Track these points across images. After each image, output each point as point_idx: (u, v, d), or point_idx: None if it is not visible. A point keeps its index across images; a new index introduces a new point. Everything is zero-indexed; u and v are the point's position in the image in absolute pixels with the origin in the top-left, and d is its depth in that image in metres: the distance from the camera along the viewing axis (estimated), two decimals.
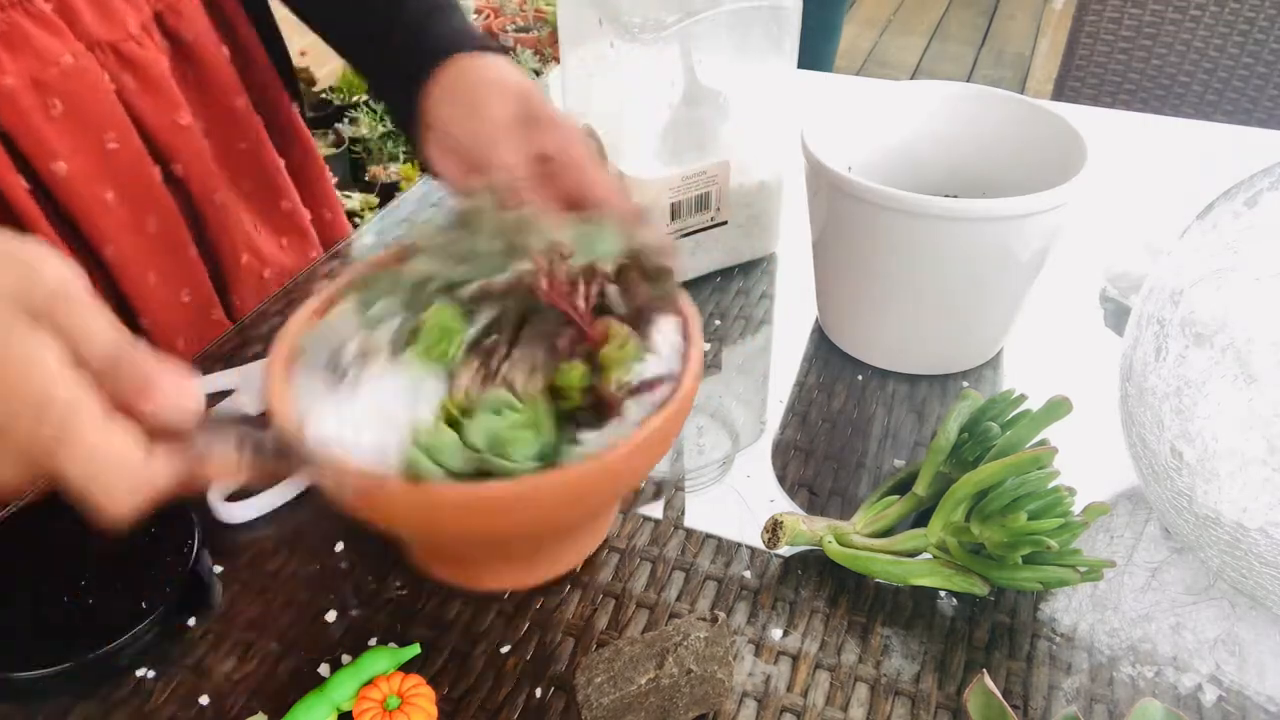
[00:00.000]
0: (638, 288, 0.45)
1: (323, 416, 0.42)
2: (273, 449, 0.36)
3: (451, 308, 0.44)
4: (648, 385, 0.43)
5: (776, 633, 0.47)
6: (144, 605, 0.46)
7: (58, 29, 0.57)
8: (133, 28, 0.61)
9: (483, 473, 0.40)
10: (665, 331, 0.47)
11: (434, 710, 0.43)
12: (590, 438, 0.42)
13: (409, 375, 0.42)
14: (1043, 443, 0.48)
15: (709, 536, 0.52)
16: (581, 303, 0.43)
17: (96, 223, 0.60)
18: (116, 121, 0.60)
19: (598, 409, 0.43)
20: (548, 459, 0.41)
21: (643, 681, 0.41)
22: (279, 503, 0.54)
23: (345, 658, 0.46)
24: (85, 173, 0.59)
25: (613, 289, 0.45)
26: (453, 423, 0.41)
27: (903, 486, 0.53)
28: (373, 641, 0.47)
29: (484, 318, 0.45)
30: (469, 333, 0.44)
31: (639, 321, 0.45)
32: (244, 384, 0.61)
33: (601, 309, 0.45)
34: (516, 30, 2.74)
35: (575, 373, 0.42)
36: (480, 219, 0.46)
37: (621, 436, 0.41)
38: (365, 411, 0.42)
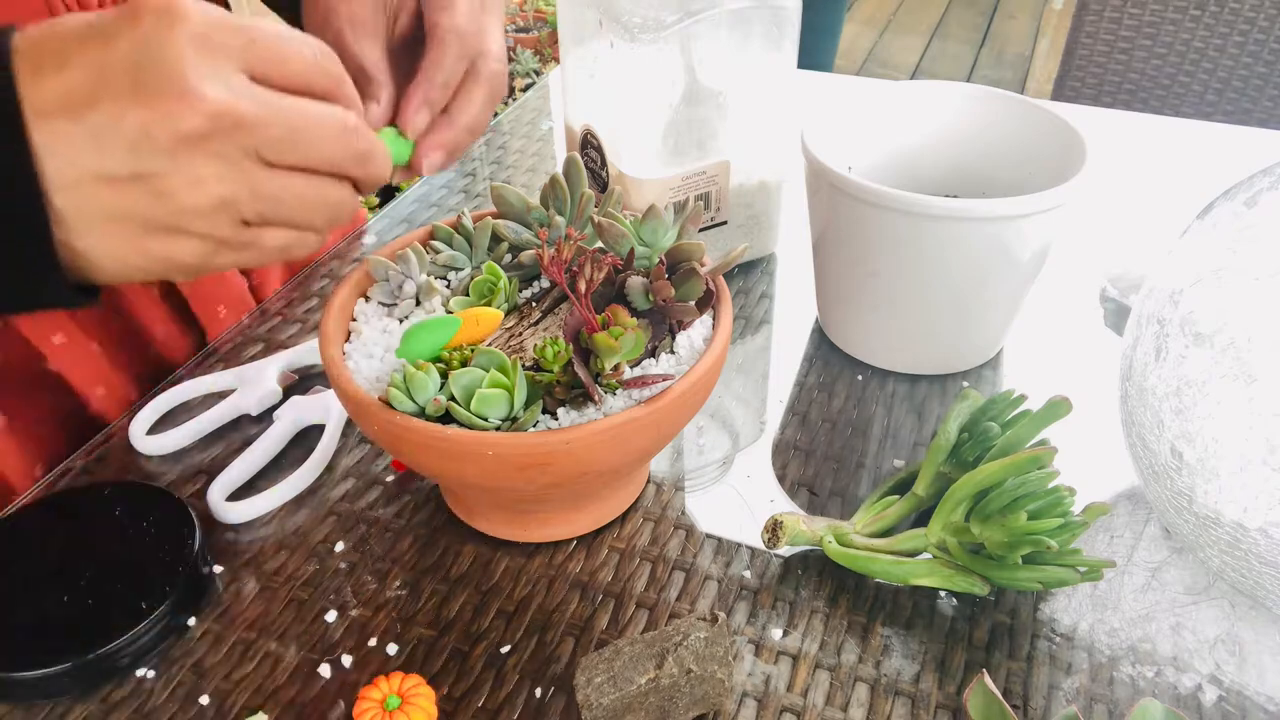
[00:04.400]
0: (663, 286, 0.45)
1: (363, 337, 0.48)
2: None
3: (505, 270, 0.49)
4: (641, 381, 0.44)
5: (776, 633, 0.47)
6: (144, 605, 0.46)
7: None
8: None
9: (449, 418, 0.43)
10: (690, 334, 0.47)
11: (434, 710, 0.43)
12: (569, 417, 0.44)
13: (447, 321, 0.46)
14: (1043, 443, 0.48)
15: (709, 536, 0.52)
16: (583, 284, 0.44)
17: None
18: None
19: (581, 391, 0.44)
20: (515, 423, 0.43)
21: (643, 681, 0.41)
22: (279, 503, 0.54)
23: (345, 659, 0.46)
24: None
25: (638, 281, 0.46)
26: (447, 368, 0.44)
27: (903, 486, 0.53)
28: (372, 641, 0.47)
29: (536, 286, 0.52)
30: (515, 295, 0.50)
31: (658, 319, 0.46)
32: (244, 384, 0.61)
33: (620, 299, 0.46)
34: (516, 30, 2.74)
35: (551, 349, 0.43)
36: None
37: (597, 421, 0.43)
38: (397, 341, 0.47)
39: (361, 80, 0.42)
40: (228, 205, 0.32)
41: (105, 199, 0.30)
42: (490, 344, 0.46)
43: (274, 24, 0.34)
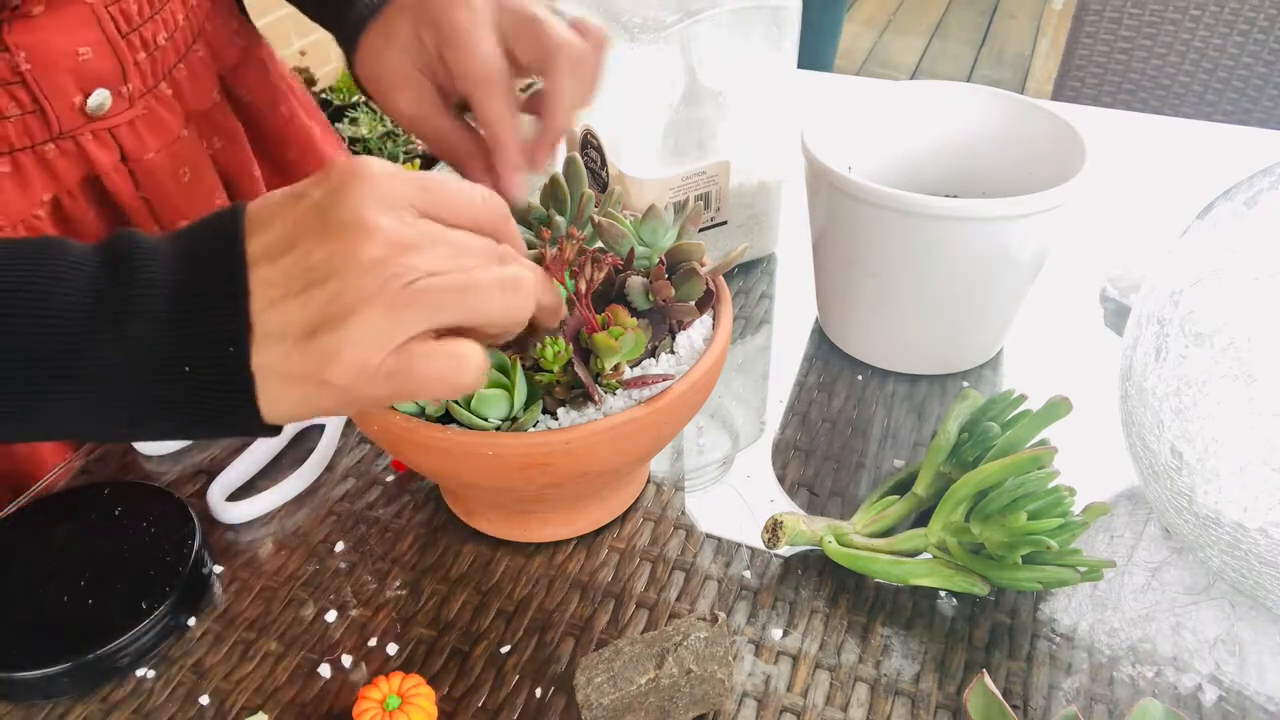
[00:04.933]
0: (663, 286, 0.45)
1: None
2: None
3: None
4: (641, 381, 0.44)
5: (776, 633, 0.47)
6: (144, 605, 0.46)
7: (173, 107, 0.64)
8: (215, 94, 0.68)
9: (449, 418, 0.43)
10: (690, 334, 0.47)
11: (434, 710, 0.43)
12: (569, 417, 0.44)
13: None
14: (1043, 443, 0.48)
15: (709, 536, 0.52)
16: (583, 284, 0.44)
17: None
18: (216, 181, 0.68)
19: (581, 391, 0.44)
20: (515, 423, 0.43)
21: (643, 681, 0.41)
22: (279, 503, 0.54)
23: (346, 658, 0.46)
24: None
25: (639, 281, 0.46)
26: None
27: (903, 486, 0.53)
28: (372, 641, 0.47)
29: None
30: None
31: (658, 319, 0.46)
32: None
33: (620, 299, 0.46)
34: None
35: (550, 350, 0.43)
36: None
37: (597, 421, 0.43)
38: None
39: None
40: (394, 323, 0.33)
41: (283, 318, 0.34)
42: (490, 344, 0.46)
43: (444, 174, 0.38)
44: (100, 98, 0.57)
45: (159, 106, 0.62)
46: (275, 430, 0.36)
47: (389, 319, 0.33)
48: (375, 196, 0.34)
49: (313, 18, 0.61)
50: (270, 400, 0.34)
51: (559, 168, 0.52)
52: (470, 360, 0.35)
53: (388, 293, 0.33)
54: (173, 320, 0.33)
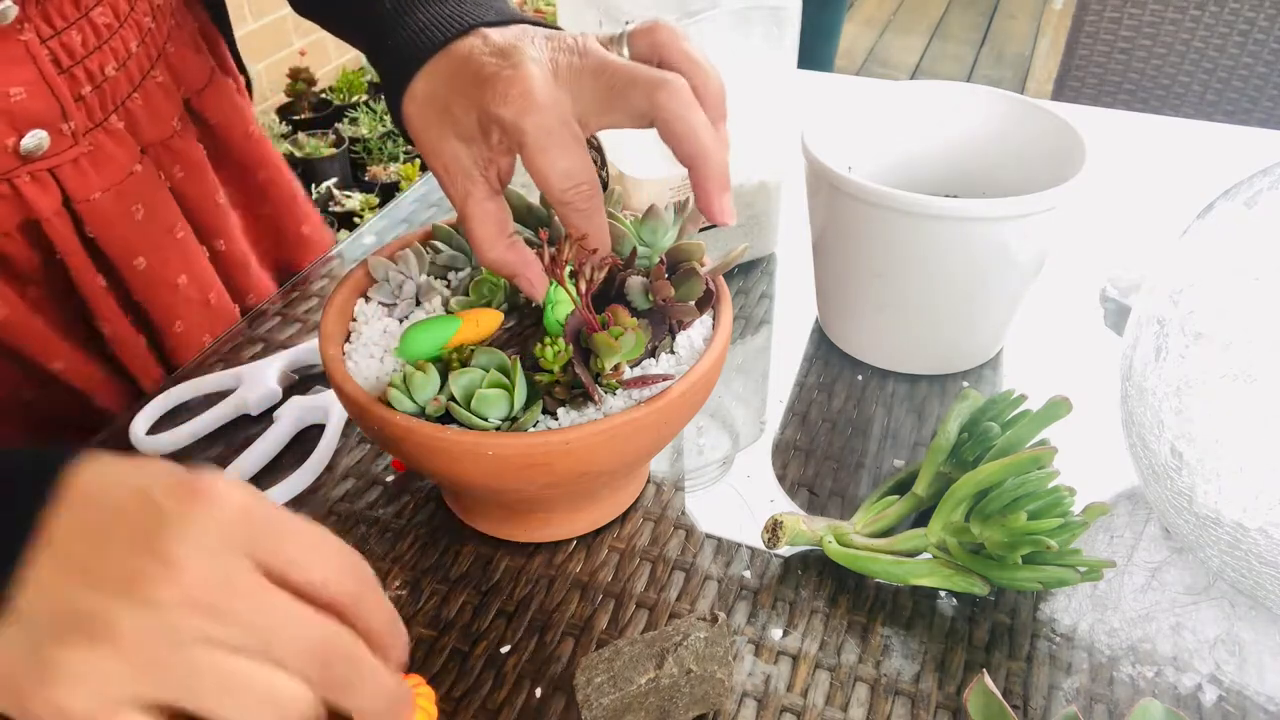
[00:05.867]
0: (663, 286, 0.45)
1: (363, 337, 0.48)
2: None
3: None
4: (641, 381, 0.44)
5: (776, 633, 0.47)
6: None
7: (125, 140, 0.61)
8: (175, 122, 0.65)
9: (449, 418, 0.43)
10: (690, 334, 0.47)
11: (434, 710, 0.43)
12: (569, 417, 0.44)
13: (447, 320, 0.46)
14: (1043, 443, 0.48)
15: (709, 536, 0.52)
16: (583, 284, 0.44)
17: (166, 304, 0.65)
18: (176, 214, 0.65)
19: (581, 391, 0.44)
20: (515, 423, 0.43)
21: (643, 681, 0.41)
22: (279, 503, 0.54)
23: None
24: (162, 262, 0.64)
25: (639, 281, 0.46)
26: (447, 368, 0.44)
27: (903, 486, 0.53)
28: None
29: None
30: (515, 295, 0.49)
31: (658, 319, 0.46)
32: (244, 384, 0.61)
33: (620, 299, 0.46)
34: None
35: (551, 349, 0.43)
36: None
37: (598, 421, 0.43)
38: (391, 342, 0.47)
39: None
40: (124, 678, 0.28)
41: (37, 622, 0.29)
42: (490, 344, 0.46)
43: (314, 527, 0.32)
44: (36, 139, 0.54)
45: (108, 141, 0.59)
46: None
47: (130, 674, 0.28)
48: (201, 531, 0.29)
49: (347, 40, 0.56)
50: None
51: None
52: None
53: (153, 644, 0.28)
54: None
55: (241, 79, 0.75)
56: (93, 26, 0.57)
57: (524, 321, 0.49)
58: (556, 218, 0.51)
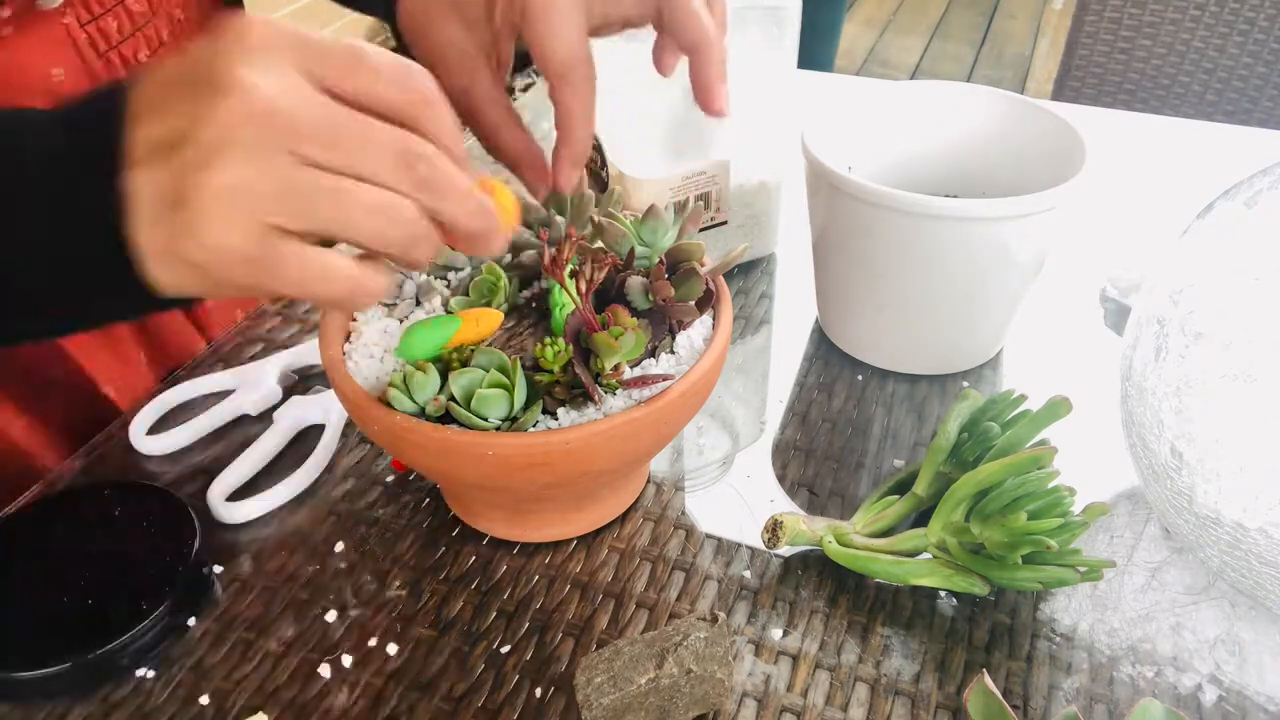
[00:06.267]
0: (663, 286, 0.45)
1: (363, 337, 0.48)
2: None
3: (505, 270, 0.48)
4: (641, 381, 0.44)
5: (776, 633, 0.47)
6: (144, 605, 0.46)
7: None
8: None
9: (449, 418, 0.43)
10: (690, 334, 0.47)
11: (515, 208, 0.39)
12: (569, 417, 0.43)
13: (447, 320, 0.46)
14: (1043, 443, 0.48)
15: (709, 536, 0.52)
16: (583, 284, 0.44)
17: None
18: None
19: (581, 391, 0.44)
20: (515, 423, 0.43)
21: (643, 681, 0.41)
22: (279, 503, 0.54)
23: (346, 659, 0.46)
24: None
25: (639, 281, 0.46)
26: (447, 368, 0.44)
27: (903, 486, 0.53)
28: (372, 641, 0.47)
29: (536, 286, 0.51)
30: (515, 295, 0.49)
31: (658, 319, 0.46)
32: (244, 384, 0.61)
33: (620, 299, 0.46)
34: None
35: (550, 350, 0.43)
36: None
37: (598, 421, 0.43)
38: (392, 341, 0.47)
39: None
40: (250, 198, 0.30)
41: (148, 183, 0.31)
42: (490, 344, 0.46)
43: (359, 42, 0.32)
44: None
45: None
46: (180, 303, 0.34)
47: (243, 200, 0.29)
48: (257, 54, 0.30)
49: None
50: (153, 272, 0.32)
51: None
52: (336, 278, 0.31)
53: (243, 166, 0.29)
54: (49, 184, 0.32)
55: None
56: (128, 14, 0.59)
57: (524, 321, 0.49)
58: (555, 215, 0.51)
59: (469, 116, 0.44)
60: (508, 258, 0.52)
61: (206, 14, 0.69)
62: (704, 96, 0.44)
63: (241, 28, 0.30)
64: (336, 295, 0.32)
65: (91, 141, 0.32)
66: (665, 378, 0.44)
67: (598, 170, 0.70)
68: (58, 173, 0.32)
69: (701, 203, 0.68)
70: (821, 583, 0.50)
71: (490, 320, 0.46)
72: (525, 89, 0.49)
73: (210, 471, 0.56)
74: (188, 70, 0.31)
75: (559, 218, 0.51)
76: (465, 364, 0.44)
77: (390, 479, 0.56)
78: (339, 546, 0.52)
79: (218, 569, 0.51)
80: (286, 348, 0.65)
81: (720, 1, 0.45)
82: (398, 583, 0.50)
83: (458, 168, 0.33)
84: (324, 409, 0.59)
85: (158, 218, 0.30)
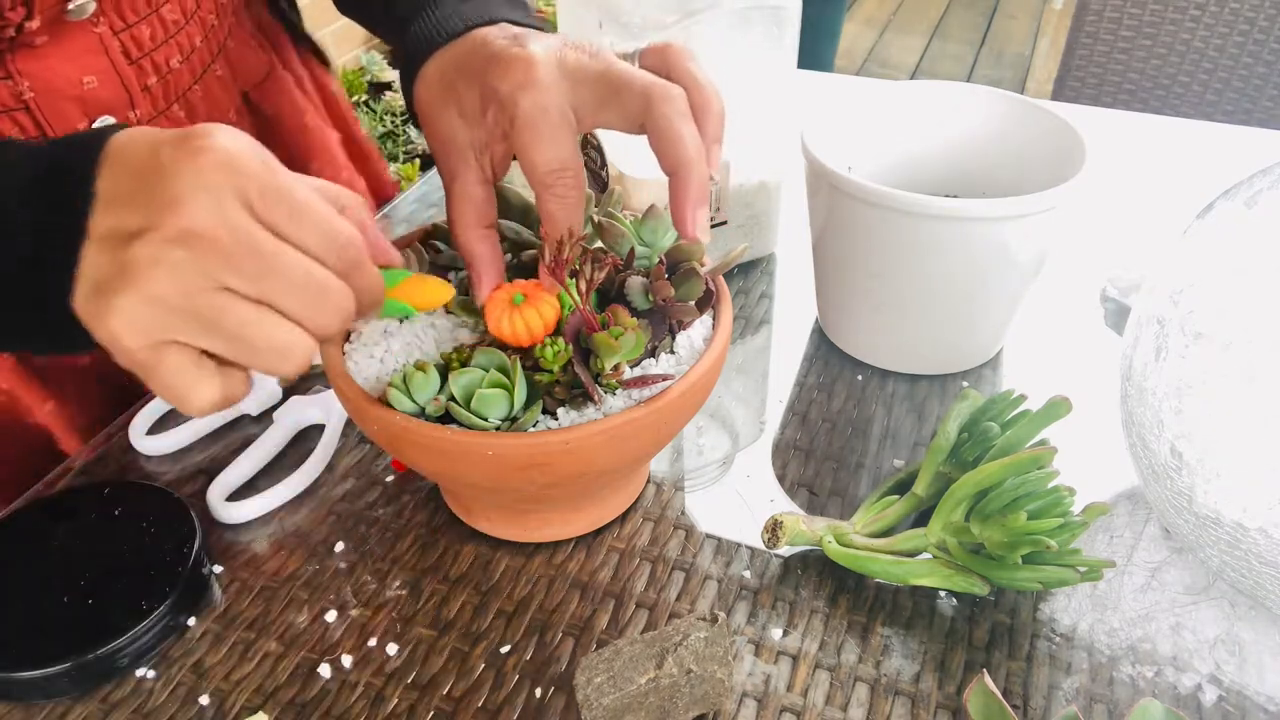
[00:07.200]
0: (663, 286, 0.45)
1: (363, 337, 0.47)
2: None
3: (450, 288, 0.47)
4: (641, 381, 0.44)
5: (776, 633, 0.47)
6: (144, 605, 0.46)
7: (185, 126, 0.62)
8: (232, 114, 0.68)
9: (449, 418, 0.43)
10: (690, 334, 0.47)
11: (557, 306, 0.43)
12: (569, 417, 0.43)
13: (447, 321, 0.47)
14: (1043, 443, 0.48)
15: (709, 536, 0.52)
16: (583, 284, 0.44)
17: None
18: None
19: (580, 391, 0.44)
20: (515, 423, 0.43)
21: (643, 681, 0.41)
22: (279, 503, 0.54)
23: (346, 659, 0.46)
24: None
25: (639, 281, 0.46)
26: (447, 369, 0.44)
27: (903, 486, 0.53)
28: (372, 641, 0.47)
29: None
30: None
31: (658, 319, 0.46)
32: None
33: (620, 298, 0.46)
34: None
35: (550, 349, 0.43)
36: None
37: (598, 421, 0.43)
38: (397, 343, 0.47)
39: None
40: (160, 313, 0.33)
41: (90, 264, 0.34)
42: (490, 344, 0.46)
43: (308, 182, 0.36)
44: (105, 124, 0.57)
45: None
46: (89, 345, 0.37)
47: (152, 312, 0.33)
48: (208, 179, 0.33)
49: (368, 28, 0.60)
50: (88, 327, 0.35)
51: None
52: (202, 393, 0.34)
53: (165, 285, 0.32)
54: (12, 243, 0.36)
55: (320, 65, 0.79)
56: (161, 22, 0.60)
57: None
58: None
59: (447, 202, 0.47)
60: (508, 257, 0.52)
61: (240, 19, 0.70)
62: (678, 221, 0.44)
63: (204, 146, 0.34)
64: (193, 408, 0.35)
65: (62, 222, 0.35)
66: (665, 378, 0.44)
67: (598, 170, 0.70)
68: (28, 242, 0.36)
69: None
70: (821, 583, 0.50)
71: (437, 290, 0.45)
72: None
73: (210, 471, 0.56)
74: (151, 173, 0.34)
75: None
76: (465, 364, 0.44)
77: (390, 479, 0.56)
78: (339, 546, 0.52)
79: (218, 569, 0.51)
80: None
81: (716, 112, 0.45)
82: (398, 583, 0.50)
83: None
84: (324, 409, 0.59)
85: (90, 294, 0.34)
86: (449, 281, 0.47)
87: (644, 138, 0.65)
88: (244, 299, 0.34)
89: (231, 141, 0.34)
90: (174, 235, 0.32)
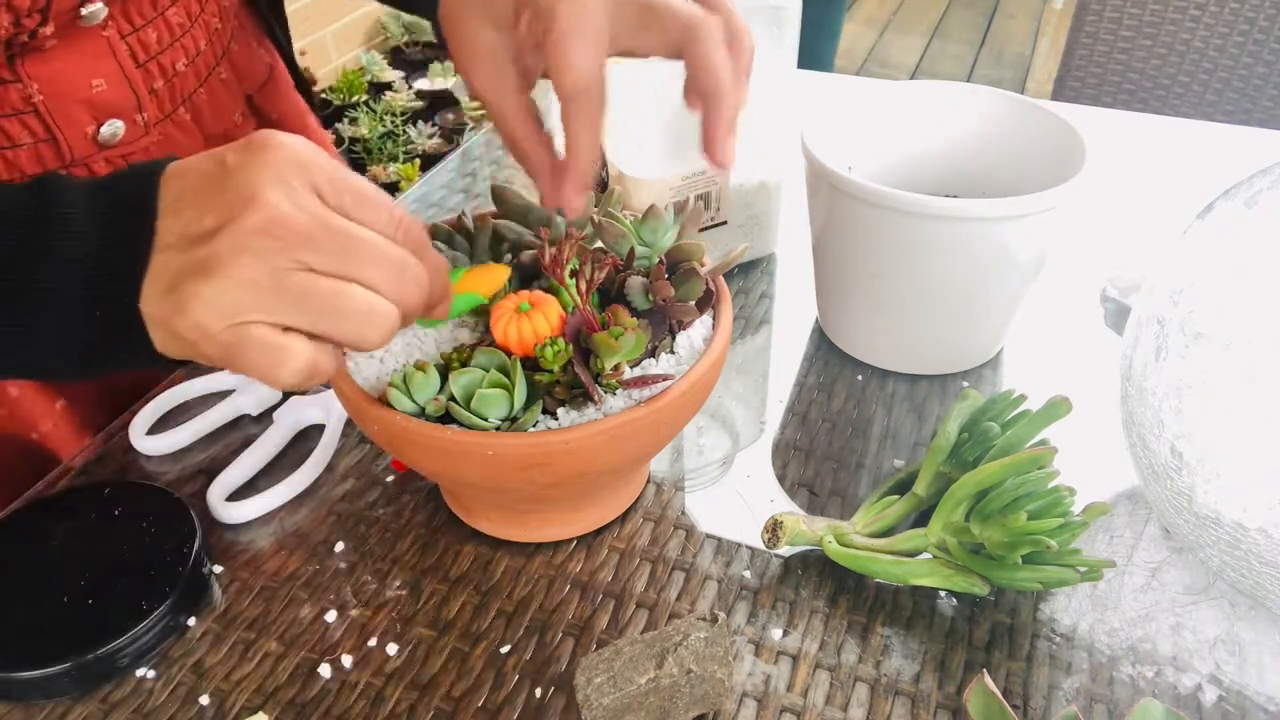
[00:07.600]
0: (663, 286, 0.45)
1: None
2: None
3: (506, 267, 0.47)
4: (641, 381, 0.44)
5: (776, 633, 0.47)
6: (144, 605, 0.46)
7: (191, 131, 0.64)
8: (236, 116, 0.69)
9: (449, 418, 0.43)
10: (690, 334, 0.47)
11: (562, 314, 0.44)
12: (569, 417, 0.43)
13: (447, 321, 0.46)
14: (1043, 443, 0.48)
15: (709, 536, 0.52)
16: (583, 284, 0.44)
17: None
18: None
19: (581, 391, 0.44)
20: (515, 423, 0.43)
21: (643, 681, 0.41)
22: (279, 503, 0.54)
23: (346, 659, 0.46)
24: None
25: (639, 281, 0.46)
26: (447, 369, 0.44)
27: (903, 486, 0.53)
28: (372, 641, 0.47)
29: (536, 285, 0.50)
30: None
31: (658, 319, 0.46)
32: (244, 384, 0.61)
33: (620, 298, 0.46)
34: None
35: (551, 349, 0.43)
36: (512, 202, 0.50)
37: (598, 421, 0.43)
38: (397, 343, 0.47)
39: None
40: (250, 296, 0.34)
41: (163, 266, 0.35)
42: (489, 344, 0.46)
43: (366, 184, 0.37)
44: (113, 127, 0.58)
45: (176, 132, 0.62)
46: (170, 362, 0.38)
47: (240, 295, 0.34)
48: (279, 172, 0.35)
49: None
50: (154, 337, 0.36)
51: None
52: (292, 364, 0.35)
53: (252, 270, 0.34)
54: (84, 260, 0.36)
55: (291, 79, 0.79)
56: (167, 25, 0.60)
57: None
58: (556, 215, 0.51)
59: (492, 118, 0.46)
60: (508, 257, 0.52)
61: (243, 23, 0.70)
62: (708, 146, 0.45)
63: (267, 142, 0.35)
64: (284, 381, 0.36)
65: (124, 256, 0.36)
66: (665, 378, 0.44)
67: (598, 170, 0.70)
68: (90, 277, 0.37)
69: (701, 203, 0.68)
70: (821, 583, 0.50)
71: (497, 272, 0.45)
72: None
73: (210, 471, 0.56)
74: (219, 177, 0.35)
75: (559, 218, 0.51)
76: (465, 364, 0.44)
77: (390, 479, 0.56)
78: (339, 546, 0.52)
79: (218, 569, 0.51)
80: None
81: (747, 47, 0.45)
82: (397, 583, 0.50)
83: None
84: (324, 409, 0.59)
85: (165, 292, 0.35)
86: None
87: (644, 138, 0.65)
88: (329, 276, 0.35)
89: (292, 140, 0.36)
90: (256, 225, 0.34)
